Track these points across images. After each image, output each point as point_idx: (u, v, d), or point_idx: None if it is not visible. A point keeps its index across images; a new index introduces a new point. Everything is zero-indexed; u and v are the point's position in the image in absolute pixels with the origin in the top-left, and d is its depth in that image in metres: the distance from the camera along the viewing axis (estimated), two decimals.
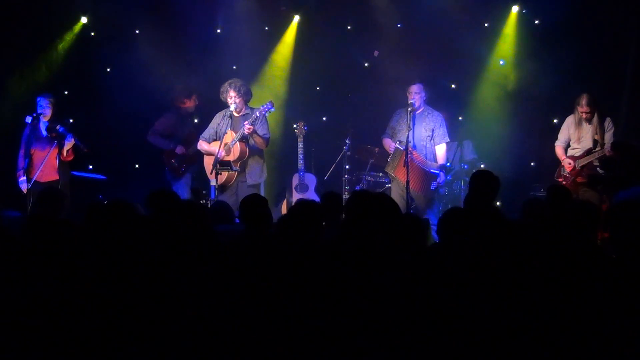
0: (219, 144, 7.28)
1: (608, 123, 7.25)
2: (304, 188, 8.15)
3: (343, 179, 8.39)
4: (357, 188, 8.18)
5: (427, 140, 7.44)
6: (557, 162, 7.52)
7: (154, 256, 3.66)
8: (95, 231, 4.07)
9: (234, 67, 8.78)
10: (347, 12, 9.06)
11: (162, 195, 4.92)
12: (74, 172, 7.92)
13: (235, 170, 7.25)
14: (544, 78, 8.30)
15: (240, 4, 8.95)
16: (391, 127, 7.57)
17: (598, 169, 7.20)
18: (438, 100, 7.81)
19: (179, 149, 8.02)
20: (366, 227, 3.71)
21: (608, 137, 7.19)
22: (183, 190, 7.83)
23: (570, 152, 7.44)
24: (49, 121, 7.56)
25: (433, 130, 7.44)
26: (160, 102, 8.41)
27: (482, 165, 8.25)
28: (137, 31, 8.95)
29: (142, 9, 8.64)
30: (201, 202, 7.83)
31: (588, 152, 7.26)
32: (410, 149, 7.10)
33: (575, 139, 7.39)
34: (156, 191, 5.01)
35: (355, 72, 9.15)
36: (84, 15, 8.93)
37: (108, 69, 9.00)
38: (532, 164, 8.77)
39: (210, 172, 7.29)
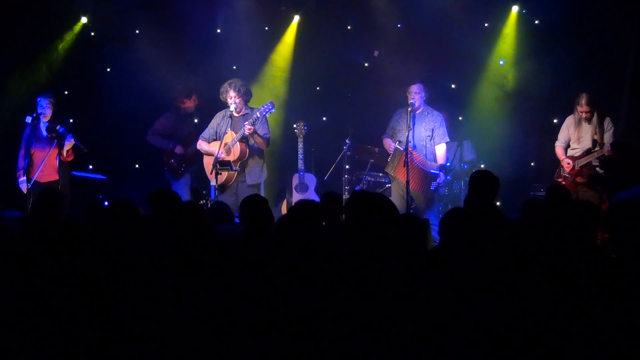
0: (219, 144, 7.28)
1: (607, 123, 7.24)
2: (304, 188, 8.15)
3: (343, 179, 8.38)
4: (357, 188, 8.18)
5: (427, 140, 7.44)
6: (557, 162, 7.51)
7: (155, 256, 3.66)
8: (95, 231, 4.07)
9: (234, 67, 8.78)
10: (347, 12, 9.06)
11: (163, 196, 4.92)
12: (74, 172, 7.92)
13: (235, 170, 7.25)
14: (544, 78, 8.31)
15: (240, 4, 8.95)
16: (391, 127, 7.57)
17: (597, 169, 7.20)
18: (438, 100, 7.81)
19: (178, 149, 8.03)
20: (366, 228, 3.71)
21: (607, 137, 7.19)
22: (182, 190, 7.83)
23: (570, 152, 7.44)
24: (49, 121, 7.56)
25: (433, 130, 7.44)
26: (160, 102, 8.41)
27: (482, 165, 8.25)
28: (137, 31, 8.95)
29: (142, 9, 8.65)
30: (201, 202, 7.83)
31: (587, 152, 7.26)
32: (410, 149, 7.10)
33: (575, 139, 7.39)
34: (157, 191, 5.01)
35: (355, 72, 9.15)
36: (84, 15, 8.93)
37: (108, 69, 9.00)
38: (532, 164, 8.77)
39: (210, 172, 7.29)
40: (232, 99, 7.26)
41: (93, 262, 3.61)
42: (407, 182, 7.02)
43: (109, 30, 8.87)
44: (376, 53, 9.05)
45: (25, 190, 7.27)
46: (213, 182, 7.24)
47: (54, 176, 7.44)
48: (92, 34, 9.07)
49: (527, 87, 8.56)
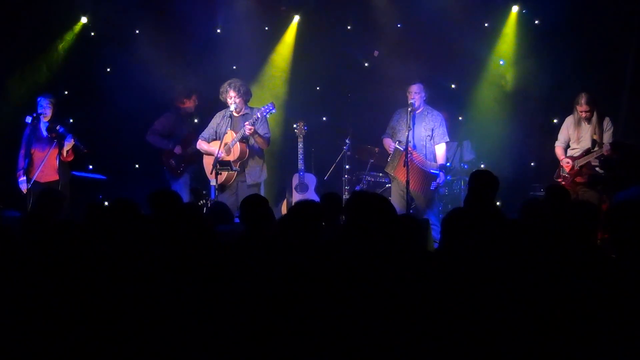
0: (219, 143, 7.29)
1: (607, 123, 7.25)
2: (304, 188, 8.15)
3: (343, 179, 8.39)
4: (357, 188, 8.19)
5: (427, 140, 7.44)
6: (557, 162, 7.52)
7: (155, 256, 3.66)
8: (96, 230, 4.07)
9: (234, 67, 8.78)
10: (347, 12, 9.06)
11: (164, 196, 4.93)
12: (74, 172, 7.93)
13: (235, 170, 7.25)
14: (544, 78, 8.31)
15: (240, 4, 8.95)
16: (391, 126, 7.57)
17: (597, 168, 7.20)
18: (438, 100, 7.81)
19: (177, 149, 8.03)
20: (367, 228, 3.71)
21: (607, 137, 7.19)
22: (182, 190, 7.83)
23: (569, 152, 7.44)
24: (49, 121, 7.56)
25: (433, 130, 7.44)
26: (160, 102, 8.41)
27: (482, 165, 8.25)
28: (137, 31, 8.95)
29: (142, 9, 8.64)
30: (201, 202, 7.84)
31: (587, 152, 7.26)
32: (410, 149, 7.10)
33: (574, 139, 7.39)
34: (157, 191, 5.01)
35: (355, 72, 9.15)
36: (84, 15, 8.93)
37: (108, 69, 9.00)
38: (532, 164, 8.77)
39: (210, 172, 7.29)
40: (232, 99, 7.26)
41: (93, 262, 3.61)
42: (407, 182, 7.02)
43: (109, 30, 8.87)
44: (376, 53, 9.04)
45: (25, 190, 7.27)
46: (213, 182, 7.24)
47: (54, 176, 7.44)
48: (92, 34, 9.07)
49: (527, 87, 8.57)
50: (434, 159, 7.44)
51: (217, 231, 4.34)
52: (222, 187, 7.30)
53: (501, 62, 8.84)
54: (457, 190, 8.42)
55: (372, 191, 7.06)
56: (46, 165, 7.39)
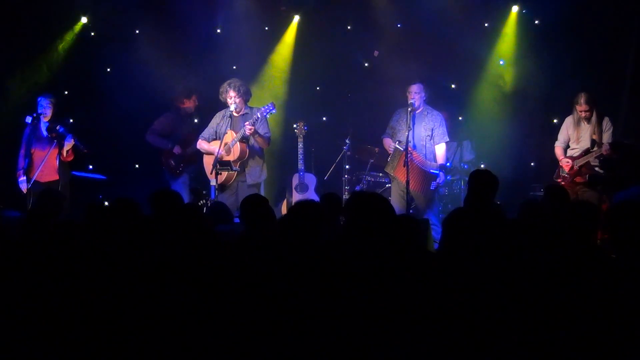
0: (219, 143, 7.29)
1: (606, 123, 7.24)
2: (304, 188, 8.15)
3: (343, 179, 8.39)
4: (357, 188, 8.19)
5: (427, 140, 7.44)
6: (557, 162, 7.52)
7: (156, 256, 3.66)
8: (96, 230, 4.07)
9: (234, 67, 8.78)
10: (347, 12, 9.06)
11: (165, 196, 4.92)
12: (74, 172, 7.93)
13: (235, 170, 7.25)
14: (544, 78, 8.31)
15: (240, 4, 8.95)
16: (391, 126, 7.57)
17: (597, 168, 7.20)
18: (438, 100, 7.81)
19: (177, 149, 8.04)
20: (367, 228, 3.71)
21: (606, 137, 7.19)
22: (181, 190, 7.83)
23: (569, 152, 7.44)
24: (49, 121, 7.56)
25: (432, 129, 7.44)
26: (160, 102, 8.42)
27: (482, 165, 8.25)
28: (137, 31, 8.95)
29: (142, 9, 8.64)
30: (201, 202, 7.84)
31: (586, 152, 7.26)
32: (410, 149, 7.10)
33: (574, 139, 7.39)
34: (159, 191, 5.01)
35: (355, 72, 9.15)
36: (84, 15, 8.93)
37: (108, 69, 9.00)
38: (531, 164, 8.77)
39: (210, 172, 7.29)
40: (232, 98, 7.26)
41: (93, 262, 3.61)
42: (407, 182, 7.02)
43: (109, 30, 8.87)
44: (376, 53, 9.04)
45: (25, 190, 7.27)
46: (213, 182, 7.24)
47: (54, 176, 7.45)
48: (92, 34, 9.07)
49: (527, 87, 8.56)
50: (434, 159, 7.44)
51: (217, 231, 4.34)
52: (222, 187, 7.30)
53: (501, 62, 8.84)
54: (457, 190, 8.42)
55: (372, 191, 7.06)
56: (46, 165, 7.39)
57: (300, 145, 8.05)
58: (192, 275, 3.44)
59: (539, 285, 3.23)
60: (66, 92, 8.91)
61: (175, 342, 3.18)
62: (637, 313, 2.99)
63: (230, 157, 7.24)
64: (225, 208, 5.83)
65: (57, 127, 7.41)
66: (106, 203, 8.16)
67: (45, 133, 7.55)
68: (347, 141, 8.30)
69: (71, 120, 8.22)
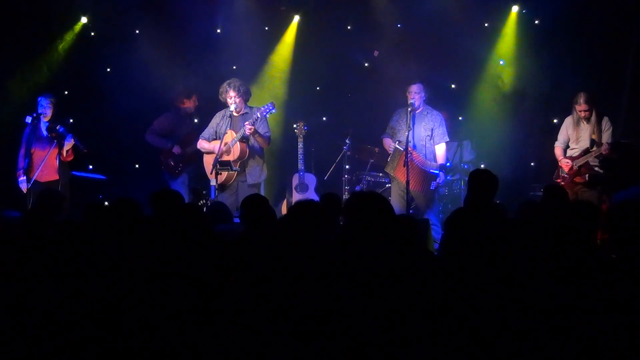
0: (219, 143, 7.28)
1: (606, 123, 7.24)
2: (304, 188, 8.15)
3: (343, 179, 8.39)
4: (357, 188, 8.19)
5: (427, 139, 7.44)
6: (557, 163, 7.51)
7: (156, 256, 3.66)
8: (96, 230, 4.07)
9: (234, 67, 8.78)
10: (347, 12, 9.06)
11: (166, 196, 4.92)
12: (74, 172, 7.93)
13: (235, 170, 7.24)
14: (544, 78, 8.31)
15: (240, 4, 8.95)
16: (391, 126, 7.57)
17: (596, 168, 7.20)
18: (438, 100, 7.81)
19: (176, 149, 8.04)
20: (366, 228, 3.71)
21: (606, 136, 7.18)
22: (180, 190, 7.82)
23: (568, 152, 7.43)
24: (49, 121, 7.57)
25: (432, 129, 7.44)
26: (160, 102, 8.42)
27: (482, 165, 8.25)
28: (137, 31, 8.95)
29: (142, 9, 8.64)
30: (201, 202, 7.83)
31: (585, 152, 7.26)
32: (410, 149, 7.10)
33: (573, 139, 7.39)
34: (160, 191, 5.01)
35: (355, 72, 9.15)
36: (84, 15, 8.93)
37: (108, 69, 9.00)
38: (531, 164, 8.77)
39: (210, 172, 7.29)
40: (232, 98, 7.26)
41: (93, 262, 3.61)
42: (407, 182, 7.02)
43: (109, 30, 8.87)
44: (376, 53, 9.05)
45: (25, 190, 7.27)
46: (213, 182, 7.24)
47: (53, 176, 7.45)
48: (92, 34, 9.07)
49: (527, 87, 8.56)
50: (434, 158, 7.43)
51: (217, 231, 4.34)
52: (222, 186, 7.30)
53: (501, 62, 8.83)
54: (457, 190, 8.42)
55: (372, 191, 7.05)
56: (46, 165, 7.39)
57: (300, 145, 8.06)
58: (192, 275, 3.45)
59: (539, 285, 3.23)
60: (66, 92, 8.90)
61: (176, 342, 3.18)
62: (637, 313, 2.99)
63: (230, 157, 7.24)
64: (225, 208, 5.83)
65: (57, 127, 7.41)
66: (106, 203, 8.16)
67: (45, 133, 7.55)
68: (347, 141, 8.30)
69: (71, 120, 8.23)
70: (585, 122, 7.30)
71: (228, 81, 7.37)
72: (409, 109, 7.27)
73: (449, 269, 3.42)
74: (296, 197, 8.03)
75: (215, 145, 7.29)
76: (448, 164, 7.82)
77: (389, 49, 8.78)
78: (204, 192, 7.98)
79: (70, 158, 7.57)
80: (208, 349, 3.17)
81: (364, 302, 3.17)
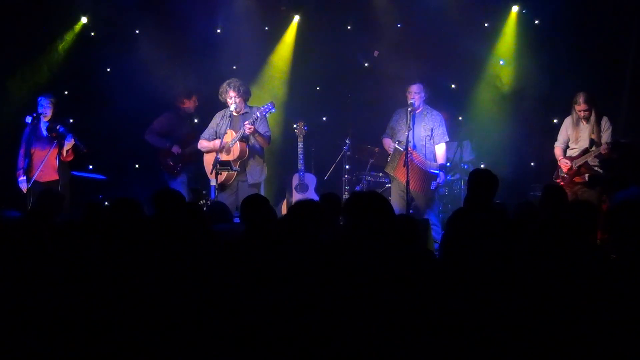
0: (220, 140, 7.28)
1: (605, 122, 7.23)
2: (304, 188, 8.15)
3: (343, 179, 8.39)
4: (357, 188, 8.19)
5: (427, 139, 7.44)
6: (557, 163, 7.51)
7: (156, 256, 3.66)
8: (95, 229, 4.06)
9: (234, 67, 8.78)
10: (347, 12, 9.06)
11: (167, 195, 4.92)
12: (74, 172, 7.93)
13: (235, 170, 7.24)
14: (544, 78, 8.30)
15: (240, 4, 8.95)
16: (390, 127, 7.57)
17: (596, 168, 7.20)
18: (438, 100, 7.81)
19: (175, 149, 8.04)
20: (366, 228, 3.71)
21: (606, 136, 7.17)
22: (180, 189, 7.82)
23: (568, 152, 7.43)
24: (49, 121, 7.57)
25: (432, 129, 7.44)
26: (160, 102, 8.42)
27: (482, 165, 8.25)
28: (137, 31, 8.95)
29: (142, 9, 8.64)
30: (201, 202, 7.83)
31: (585, 152, 7.25)
32: (410, 149, 7.09)
33: (573, 139, 7.39)
34: (161, 191, 5.01)
35: (355, 72, 9.15)
36: (84, 15, 8.94)
37: (108, 69, 9.00)
38: (532, 164, 8.77)
39: (210, 172, 7.29)
40: (232, 98, 7.26)
41: (93, 262, 3.61)
42: (407, 182, 7.01)
43: (109, 30, 8.87)
44: (376, 53, 9.05)
45: (25, 190, 7.28)
46: (213, 182, 7.24)
47: (53, 176, 7.45)
48: (92, 34, 9.07)
49: (527, 87, 8.56)
50: (434, 158, 7.43)
51: (216, 230, 4.34)
52: (222, 186, 7.29)
53: (501, 62, 8.84)
54: (457, 190, 8.42)
55: (371, 191, 7.05)
56: (46, 165, 7.40)
57: (300, 145, 8.06)
58: (192, 275, 3.44)
59: (539, 285, 3.23)
60: (66, 92, 8.91)
61: (176, 341, 3.18)
62: (637, 313, 2.99)
63: (230, 157, 7.24)
64: (225, 207, 5.83)
65: (57, 127, 7.41)
66: (106, 203, 8.16)
67: (45, 133, 7.55)
68: (347, 141, 8.30)
69: (71, 120, 8.23)
70: (584, 122, 7.29)
71: (228, 81, 7.36)
72: (409, 109, 7.27)
73: (449, 269, 3.42)
74: (296, 197, 8.03)
75: (216, 142, 7.29)
76: (448, 164, 7.82)
77: (389, 49, 8.78)
78: (204, 192, 7.98)
79: (70, 158, 7.57)
80: (208, 349, 3.17)
81: (364, 301, 3.17)
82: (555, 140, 7.57)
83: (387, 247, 3.57)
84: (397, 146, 7.27)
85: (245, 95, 7.38)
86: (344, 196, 8.00)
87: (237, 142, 7.19)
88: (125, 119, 8.56)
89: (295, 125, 8.20)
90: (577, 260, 3.46)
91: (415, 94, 7.37)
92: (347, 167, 8.40)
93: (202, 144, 7.50)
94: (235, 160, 7.23)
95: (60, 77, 8.90)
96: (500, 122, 8.67)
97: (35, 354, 3.20)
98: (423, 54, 8.56)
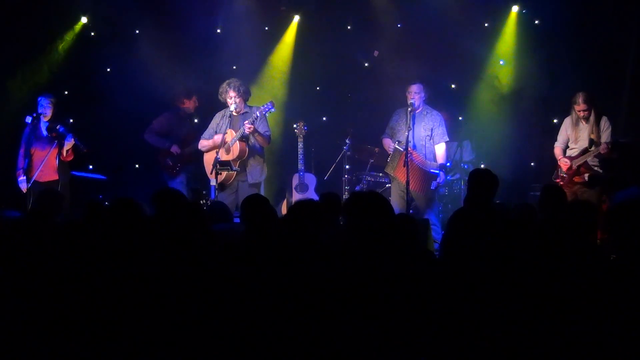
0: (221, 136, 7.29)
1: (604, 122, 7.23)
2: (304, 188, 8.15)
3: (343, 179, 8.39)
4: (357, 188, 8.20)
5: (426, 139, 7.43)
6: (557, 163, 7.51)
7: (157, 256, 3.66)
8: (96, 229, 4.07)
9: (234, 67, 8.78)
10: (347, 12, 9.07)
11: (167, 195, 4.92)
12: (74, 172, 7.93)
13: (235, 170, 7.24)
14: (543, 78, 8.31)
15: (240, 4, 8.96)
16: (390, 127, 7.57)
17: (596, 168, 7.20)
18: (438, 100, 7.81)
19: (174, 148, 8.04)
20: (365, 228, 3.71)
21: (605, 136, 7.17)
22: (179, 189, 7.82)
23: (568, 152, 7.43)
24: (49, 121, 7.57)
25: (432, 129, 7.43)
26: (160, 102, 8.42)
27: (482, 165, 8.25)
28: (137, 31, 8.96)
29: (142, 9, 8.65)
30: (201, 202, 7.83)
31: (584, 152, 7.25)
32: (410, 149, 7.09)
33: (573, 139, 7.39)
34: (161, 191, 5.01)
35: (355, 72, 9.16)
36: (84, 15, 8.94)
37: (108, 69, 9.00)
38: (531, 164, 8.77)
39: (210, 171, 7.29)
40: (232, 98, 7.26)
41: (93, 262, 3.61)
42: (407, 182, 7.01)
43: (109, 30, 8.88)
44: (376, 53, 9.05)
45: (25, 190, 7.28)
46: (213, 182, 7.24)
47: (53, 176, 7.45)
48: (92, 34, 9.08)
49: (527, 87, 8.56)
50: (434, 158, 7.43)
51: (216, 230, 4.34)
52: (222, 186, 7.29)
53: (501, 62, 8.84)
54: (457, 190, 8.42)
55: (371, 190, 7.05)
56: (46, 165, 7.40)
57: (300, 145, 8.06)
58: (192, 275, 3.45)
59: (539, 285, 3.23)
60: (66, 92, 8.91)
61: (176, 341, 3.18)
62: (637, 313, 2.99)
63: (230, 157, 7.24)
64: (225, 207, 5.83)
65: (57, 127, 7.42)
66: (106, 203, 8.16)
67: (45, 133, 7.55)
68: (347, 141, 8.30)
69: (71, 120, 8.23)
70: (584, 122, 7.29)
71: (228, 81, 7.37)
72: (409, 109, 7.26)
73: (449, 269, 3.42)
74: (296, 197, 8.03)
75: (216, 137, 7.28)
76: (448, 164, 7.82)
77: (389, 49, 8.78)
78: (204, 192, 7.98)
79: (70, 158, 7.57)
80: (208, 349, 3.18)
81: (364, 302, 3.17)
82: (555, 140, 7.57)
83: (387, 247, 3.57)
84: (397, 146, 7.27)
85: (245, 95, 7.38)
86: (344, 196, 8.00)
87: (237, 141, 7.19)
88: (125, 119, 8.56)
89: (295, 125, 8.20)
90: (577, 260, 3.46)
91: (415, 94, 7.37)
92: (347, 167, 8.41)
93: (203, 144, 7.50)
94: (235, 160, 7.23)
95: (60, 77, 8.90)
96: (500, 122, 8.68)
97: (35, 354, 3.20)
98: (423, 54, 8.57)
